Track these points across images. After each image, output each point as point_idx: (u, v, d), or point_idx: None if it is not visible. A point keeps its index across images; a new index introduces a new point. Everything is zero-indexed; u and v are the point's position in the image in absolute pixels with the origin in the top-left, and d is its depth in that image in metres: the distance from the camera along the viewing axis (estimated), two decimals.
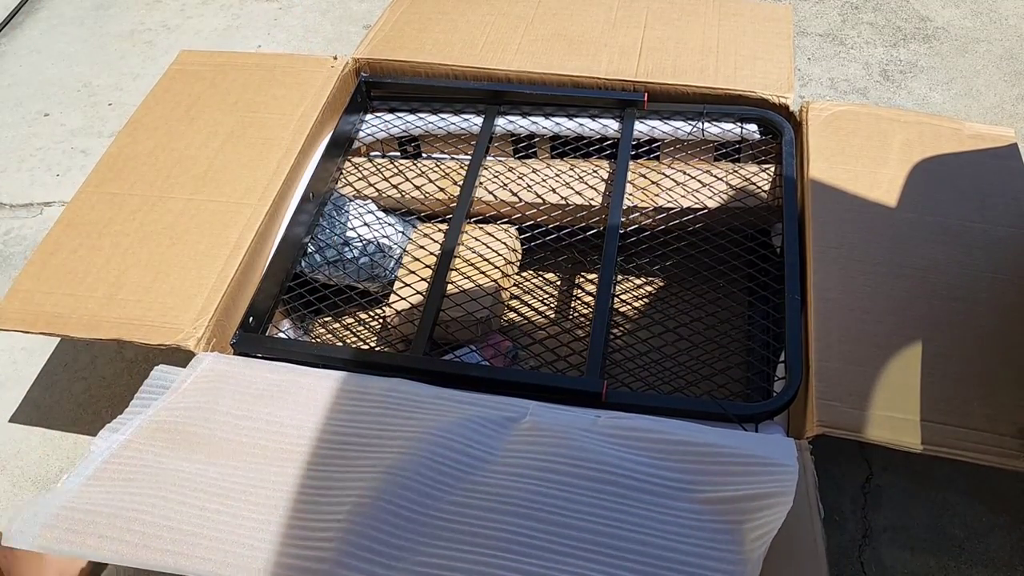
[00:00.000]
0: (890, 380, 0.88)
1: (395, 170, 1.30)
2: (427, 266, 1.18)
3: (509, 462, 0.78)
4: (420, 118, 1.33)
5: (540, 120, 1.29)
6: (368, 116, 1.35)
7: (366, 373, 0.91)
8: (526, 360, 1.20)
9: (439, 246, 1.19)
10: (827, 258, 1.00)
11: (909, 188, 1.07)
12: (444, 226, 1.22)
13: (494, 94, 1.29)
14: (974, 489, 1.10)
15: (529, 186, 1.23)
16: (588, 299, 1.27)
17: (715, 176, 1.21)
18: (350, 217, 1.23)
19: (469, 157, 1.27)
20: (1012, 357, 0.90)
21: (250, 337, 1.02)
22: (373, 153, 1.40)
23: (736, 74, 1.24)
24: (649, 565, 0.68)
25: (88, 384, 1.32)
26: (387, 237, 1.23)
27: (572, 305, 1.30)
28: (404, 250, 1.25)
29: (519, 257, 1.28)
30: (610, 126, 1.26)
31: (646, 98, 1.24)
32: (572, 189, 1.22)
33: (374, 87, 1.33)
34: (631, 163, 1.22)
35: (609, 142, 1.28)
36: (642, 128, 1.25)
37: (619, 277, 1.29)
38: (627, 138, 1.22)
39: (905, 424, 0.84)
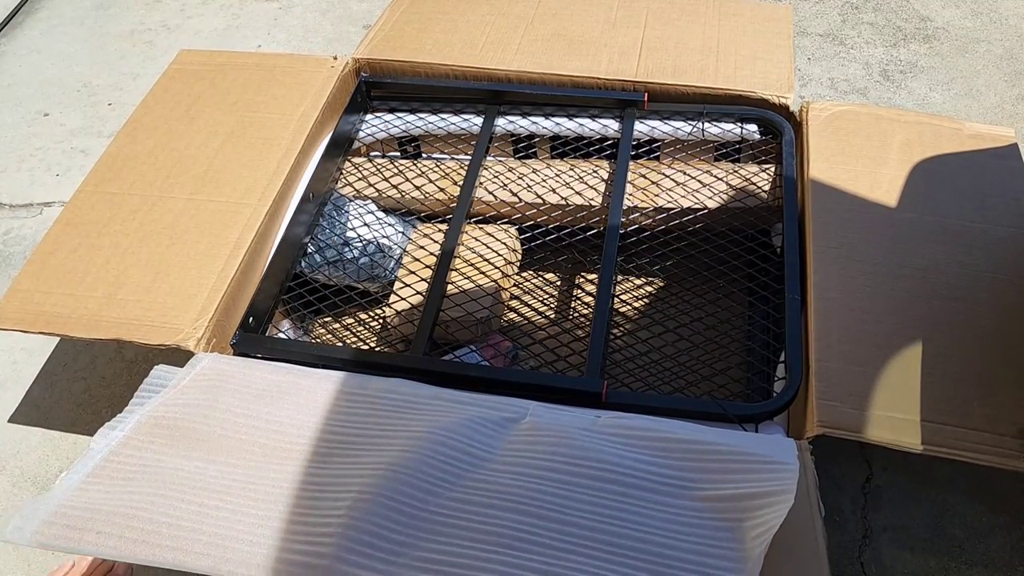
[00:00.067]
0: (890, 380, 0.88)
1: (395, 170, 1.29)
2: (427, 266, 1.18)
3: (509, 460, 0.78)
4: (420, 118, 1.33)
5: (540, 120, 1.29)
6: (368, 116, 1.35)
7: (366, 373, 0.91)
8: (526, 360, 1.20)
9: (439, 246, 1.19)
10: (827, 258, 1.00)
11: (909, 188, 1.07)
12: (444, 226, 1.22)
13: (494, 94, 1.29)
14: (974, 489, 1.10)
15: (529, 186, 1.23)
16: (588, 299, 1.27)
17: (715, 176, 1.21)
18: (350, 217, 1.23)
19: (469, 157, 1.27)
20: (1012, 357, 0.90)
21: (250, 337, 1.02)
22: (373, 153, 1.40)
23: (736, 74, 1.24)
24: (650, 562, 0.68)
25: (88, 384, 1.32)
26: (387, 237, 1.23)
27: (572, 305, 1.30)
28: (404, 250, 1.25)
29: (519, 257, 1.28)
30: (610, 126, 1.26)
31: (646, 98, 1.24)
32: (572, 189, 1.21)
33: (374, 87, 1.33)
34: (631, 163, 1.22)
35: (609, 142, 1.28)
36: (642, 128, 1.25)
37: (619, 277, 1.29)
38: (627, 138, 1.22)
39: (905, 424, 0.84)
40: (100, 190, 1.15)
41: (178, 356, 0.95)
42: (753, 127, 1.22)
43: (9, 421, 1.28)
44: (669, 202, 1.18)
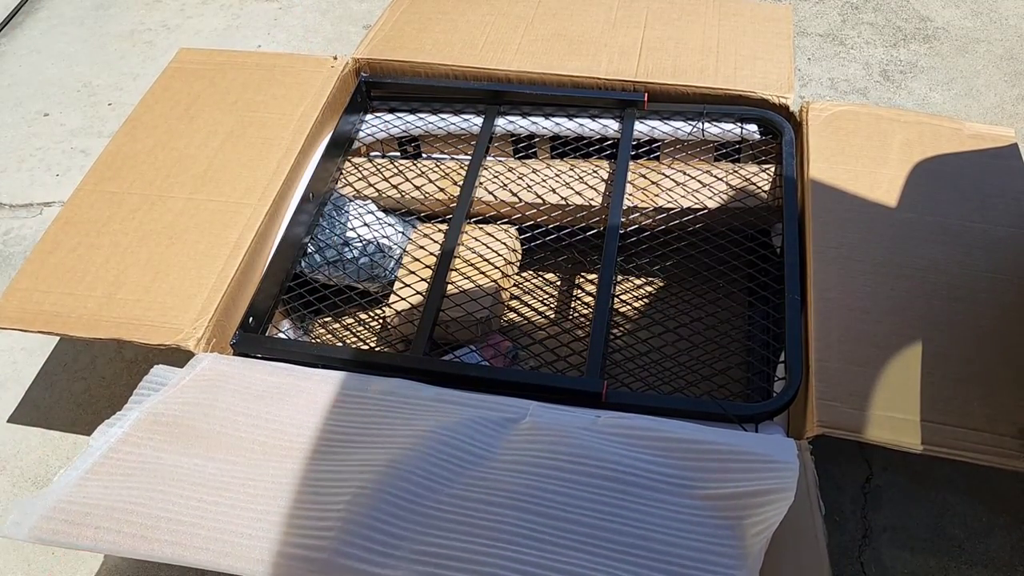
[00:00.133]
0: (890, 380, 0.88)
1: (395, 170, 1.29)
2: (427, 266, 1.18)
3: (509, 459, 0.78)
4: (420, 118, 1.32)
5: (540, 120, 1.29)
6: (368, 116, 1.35)
7: (366, 373, 0.91)
8: (526, 360, 1.20)
9: (439, 246, 1.19)
10: (827, 258, 1.00)
11: (909, 188, 1.07)
12: (444, 226, 1.22)
13: (494, 94, 1.29)
14: (974, 489, 1.10)
15: (529, 186, 1.23)
16: (588, 299, 1.27)
17: (715, 176, 1.21)
18: (350, 217, 1.23)
19: (469, 157, 1.27)
20: (1012, 357, 0.90)
21: (250, 337, 1.02)
22: (373, 153, 1.40)
23: (736, 74, 1.24)
24: (651, 559, 0.68)
25: (88, 384, 1.31)
26: (387, 237, 1.23)
27: (572, 305, 1.30)
28: (404, 250, 1.25)
29: (519, 257, 1.28)
30: (610, 126, 1.26)
31: (646, 98, 1.24)
32: (572, 189, 1.21)
33: (374, 87, 1.33)
34: (631, 163, 1.22)
35: (609, 142, 1.28)
36: (642, 128, 1.25)
37: (619, 277, 1.29)
38: (627, 138, 1.22)
39: (905, 424, 0.84)
40: (99, 189, 1.15)
41: (178, 356, 0.95)
42: (753, 127, 1.22)
43: (9, 421, 1.28)
44: (669, 202, 1.18)
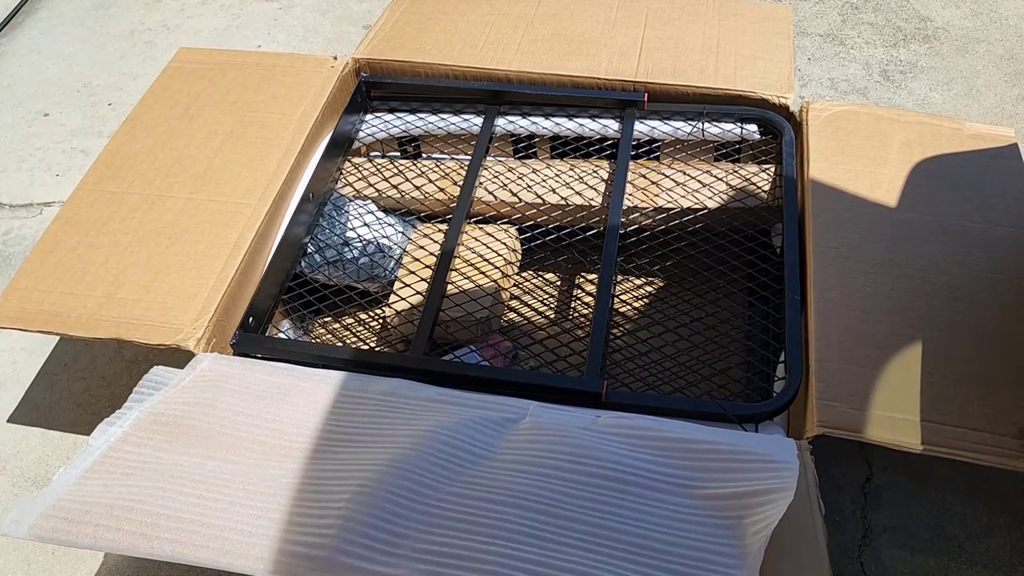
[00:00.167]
0: (890, 380, 0.88)
1: (395, 170, 1.29)
2: (427, 266, 1.18)
3: (509, 458, 0.78)
4: (420, 118, 1.32)
5: (540, 120, 1.29)
6: (368, 116, 1.35)
7: (366, 373, 0.91)
8: (526, 360, 1.20)
9: (439, 246, 1.19)
10: (827, 258, 1.00)
11: (909, 188, 1.07)
12: (444, 226, 1.22)
13: (494, 94, 1.29)
14: (974, 489, 1.10)
15: (529, 186, 1.23)
16: (588, 299, 1.27)
17: (715, 176, 1.21)
18: (350, 217, 1.23)
19: (469, 157, 1.27)
20: (1012, 357, 0.90)
21: (250, 337, 1.02)
22: (373, 153, 1.40)
23: (736, 74, 1.24)
24: (651, 558, 0.68)
25: (88, 384, 1.31)
26: (387, 237, 1.23)
27: (572, 305, 1.30)
28: (404, 250, 1.25)
29: (519, 257, 1.28)
30: (610, 126, 1.26)
31: (646, 98, 1.24)
32: (572, 189, 1.21)
33: (374, 87, 1.33)
34: (631, 163, 1.22)
35: (609, 142, 1.28)
36: (642, 128, 1.25)
37: (619, 277, 1.29)
38: (627, 138, 1.22)
39: (905, 424, 0.84)
40: (99, 188, 1.15)
41: (178, 356, 0.95)
42: (753, 127, 1.22)
43: (9, 421, 1.28)
44: (669, 202, 1.18)
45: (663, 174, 1.22)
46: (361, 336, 1.26)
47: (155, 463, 0.79)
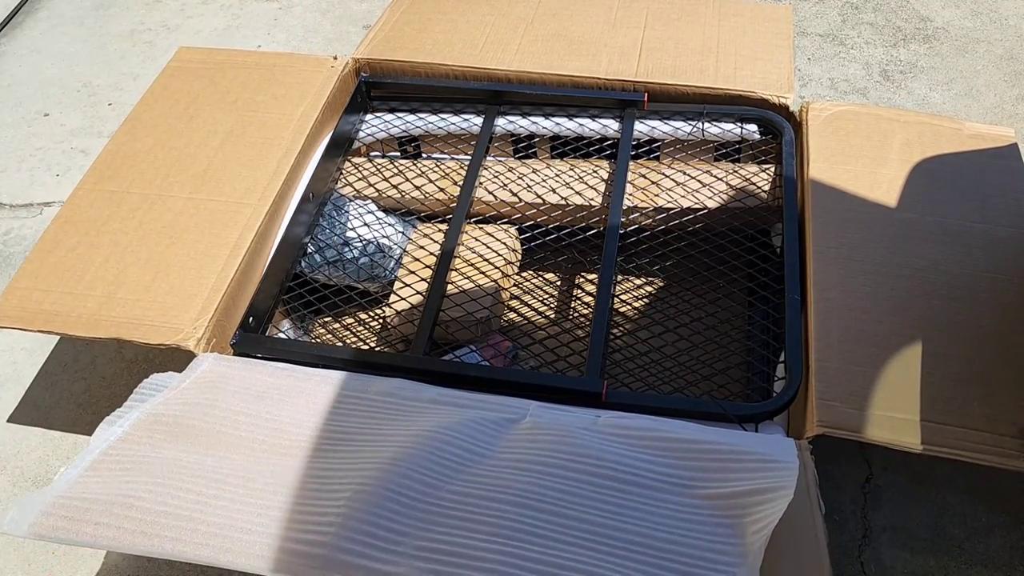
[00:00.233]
0: (890, 380, 0.88)
1: (395, 170, 1.29)
2: (427, 266, 1.18)
3: (509, 457, 0.78)
4: (420, 118, 1.33)
5: (540, 120, 1.29)
6: (368, 116, 1.35)
7: (366, 373, 0.91)
8: (526, 360, 1.20)
9: (439, 246, 1.19)
10: (827, 258, 1.00)
11: (909, 188, 1.07)
12: (444, 226, 1.22)
13: (494, 94, 1.29)
14: (974, 489, 1.10)
15: (529, 186, 1.23)
16: (588, 299, 1.27)
17: (715, 176, 1.21)
18: (350, 217, 1.23)
19: (469, 157, 1.27)
20: (1012, 357, 0.90)
21: (250, 337, 1.02)
22: (373, 153, 1.40)
23: (736, 74, 1.24)
24: (652, 556, 0.68)
25: (88, 384, 1.31)
26: (387, 237, 1.23)
27: (572, 305, 1.30)
28: (404, 250, 1.25)
29: (519, 257, 1.28)
30: (610, 126, 1.26)
31: (646, 98, 1.24)
32: (572, 189, 1.21)
33: (374, 87, 1.33)
34: (631, 163, 1.22)
35: (609, 142, 1.28)
36: (642, 128, 1.25)
37: (619, 277, 1.29)
38: (627, 138, 1.22)
39: (905, 424, 0.84)
40: (99, 188, 1.15)
41: (178, 355, 0.95)
42: (753, 127, 1.22)
43: (9, 421, 1.28)
44: (669, 202, 1.18)
45: (663, 174, 1.22)
46: (361, 336, 1.26)
47: (154, 459, 0.79)
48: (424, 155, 1.39)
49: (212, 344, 0.98)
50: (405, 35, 1.36)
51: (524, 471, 0.76)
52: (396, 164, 1.31)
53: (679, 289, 1.21)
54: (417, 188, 1.26)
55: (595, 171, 1.24)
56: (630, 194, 1.19)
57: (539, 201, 1.21)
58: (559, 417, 0.83)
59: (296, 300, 1.18)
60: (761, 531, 0.68)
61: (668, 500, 0.74)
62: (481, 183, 1.24)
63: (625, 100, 1.25)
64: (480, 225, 1.25)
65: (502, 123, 1.29)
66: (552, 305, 1.30)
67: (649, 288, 1.29)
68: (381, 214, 1.26)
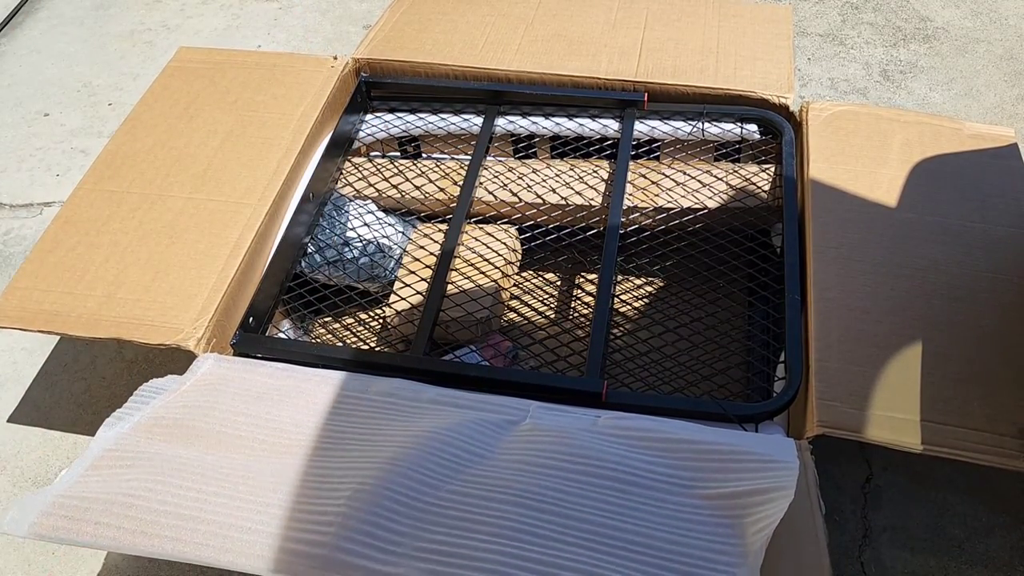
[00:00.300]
0: (890, 380, 0.88)
1: (395, 170, 1.29)
2: (427, 266, 1.18)
3: (509, 457, 0.78)
4: (420, 118, 1.33)
5: (540, 120, 1.29)
6: (368, 116, 1.35)
7: (366, 373, 0.91)
8: (526, 360, 1.20)
9: (439, 246, 1.19)
10: (827, 258, 1.00)
11: (909, 188, 1.07)
12: (444, 226, 1.22)
13: (494, 94, 1.29)
14: (974, 489, 1.10)
15: (529, 186, 1.23)
16: (588, 299, 1.27)
17: (715, 176, 1.21)
18: (350, 217, 1.23)
19: (469, 157, 1.27)
20: (1012, 357, 0.90)
21: (250, 337, 1.02)
22: (373, 153, 1.40)
23: (736, 74, 1.24)
24: (653, 556, 0.68)
25: (88, 384, 1.31)
26: (387, 237, 1.23)
27: (572, 305, 1.30)
28: (404, 250, 1.25)
29: (519, 257, 1.28)
30: (610, 126, 1.26)
31: (646, 98, 1.24)
32: (572, 189, 1.21)
33: (374, 87, 1.33)
34: (631, 163, 1.22)
35: (609, 142, 1.28)
36: (642, 128, 1.25)
37: (619, 277, 1.29)
38: (627, 138, 1.22)
39: (905, 424, 0.84)
40: (99, 188, 1.15)
41: (178, 355, 0.95)
42: (753, 127, 1.22)
43: (9, 421, 1.28)
44: (669, 202, 1.18)
45: (663, 174, 1.22)
46: (361, 336, 1.26)
47: (154, 457, 0.79)
48: (424, 155, 1.39)
49: (212, 344, 0.98)
50: (405, 35, 1.36)
51: (524, 471, 0.76)
52: (396, 164, 1.31)
53: (679, 289, 1.21)
54: (417, 188, 1.26)
55: (595, 171, 1.24)
56: (630, 194, 1.19)
57: (539, 201, 1.21)
58: (559, 419, 0.83)
59: (296, 300, 1.18)
60: (761, 531, 0.68)
61: (668, 500, 0.74)
62: (481, 183, 1.24)
63: (625, 100, 1.25)
64: (480, 225, 1.25)
65: (502, 123, 1.29)
66: (552, 305, 1.30)
67: (649, 288, 1.29)
68: (381, 214, 1.26)
